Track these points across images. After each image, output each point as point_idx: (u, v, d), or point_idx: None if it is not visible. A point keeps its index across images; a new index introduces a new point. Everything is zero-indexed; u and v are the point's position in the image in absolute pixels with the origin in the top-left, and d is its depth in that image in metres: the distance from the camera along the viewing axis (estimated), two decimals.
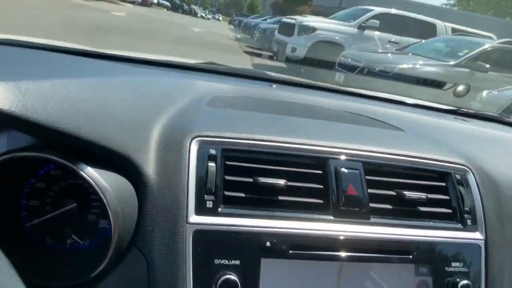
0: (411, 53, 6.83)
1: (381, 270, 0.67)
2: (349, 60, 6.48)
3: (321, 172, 0.70)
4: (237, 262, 0.60)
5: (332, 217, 0.67)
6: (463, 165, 0.80)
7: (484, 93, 4.96)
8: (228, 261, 0.60)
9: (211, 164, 0.63)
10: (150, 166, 0.61)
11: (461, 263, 0.72)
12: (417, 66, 6.01)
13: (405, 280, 0.68)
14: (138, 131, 0.62)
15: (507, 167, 0.91)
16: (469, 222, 0.75)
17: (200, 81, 1.10)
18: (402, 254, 0.69)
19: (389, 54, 6.95)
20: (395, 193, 0.73)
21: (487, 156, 0.92)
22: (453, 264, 0.71)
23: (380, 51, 7.60)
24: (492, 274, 0.74)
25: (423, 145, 0.86)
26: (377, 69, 5.95)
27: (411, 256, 0.69)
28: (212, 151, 0.65)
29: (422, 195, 0.73)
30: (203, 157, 0.64)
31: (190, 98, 0.86)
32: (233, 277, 0.58)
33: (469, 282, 0.69)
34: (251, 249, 0.61)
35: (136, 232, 0.59)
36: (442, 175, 0.78)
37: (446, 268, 0.71)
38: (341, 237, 0.66)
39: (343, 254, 0.66)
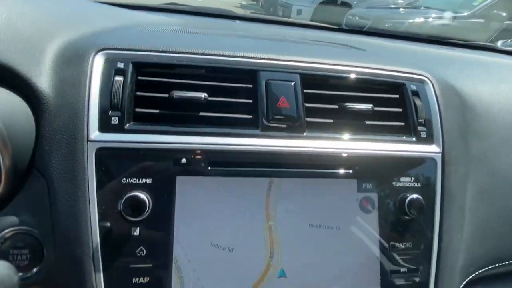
0: (423, 7, 6.49)
1: (317, 187, 0.61)
2: (357, 18, 6.21)
3: (251, 86, 0.63)
4: (148, 181, 0.55)
5: (259, 132, 0.60)
6: (421, 75, 0.71)
7: (499, 43, 4.68)
8: (138, 180, 0.55)
9: (118, 79, 0.57)
10: (44, 80, 0.55)
11: (412, 178, 0.64)
12: (429, 19, 5.71)
13: (345, 196, 0.62)
14: (30, 43, 0.56)
15: (483, 85, 0.83)
16: (423, 134, 0.67)
17: (152, 15, 1.02)
18: (341, 168, 0.62)
19: (400, 9, 6.63)
20: (337, 106, 0.65)
21: (461, 74, 0.84)
22: (403, 179, 0.64)
23: (390, 6, 7.26)
24: (451, 190, 0.66)
25: (379, 60, 0.78)
26: (386, 26, 5.70)
27: (351, 171, 0.62)
28: (120, 65, 0.58)
29: (367, 106, 0.65)
30: (109, 71, 0.58)
31: (119, 24, 0.79)
32: (142, 195, 0.53)
33: (419, 196, 0.62)
34: (164, 167, 0.56)
35: (35, 153, 0.54)
36: (395, 86, 0.70)
37: (394, 183, 0.64)
38: (270, 152, 0.60)
39: (271, 169, 0.60)
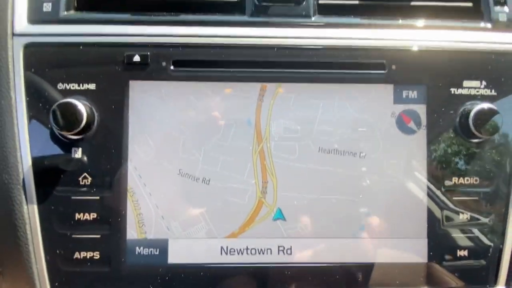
0: None
1: (331, 95, 0.42)
2: None
3: None
4: (91, 86, 0.41)
5: (247, 18, 0.43)
6: None
7: None
8: (78, 85, 0.41)
9: None
10: None
11: (483, 82, 0.43)
12: None
13: (375, 109, 0.42)
14: None
15: None
16: (502, 17, 0.44)
17: None
18: (369, 67, 0.42)
19: None
20: None
21: None
22: (467, 83, 0.43)
23: None
24: None
25: None
26: None
27: (385, 71, 0.42)
28: None
29: None
30: None
31: None
32: (79, 104, 0.39)
33: (493, 107, 0.41)
34: (112, 68, 0.41)
35: None
36: None
37: (454, 89, 0.43)
38: (261, 45, 0.42)
39: (264, 71, 0.42)
